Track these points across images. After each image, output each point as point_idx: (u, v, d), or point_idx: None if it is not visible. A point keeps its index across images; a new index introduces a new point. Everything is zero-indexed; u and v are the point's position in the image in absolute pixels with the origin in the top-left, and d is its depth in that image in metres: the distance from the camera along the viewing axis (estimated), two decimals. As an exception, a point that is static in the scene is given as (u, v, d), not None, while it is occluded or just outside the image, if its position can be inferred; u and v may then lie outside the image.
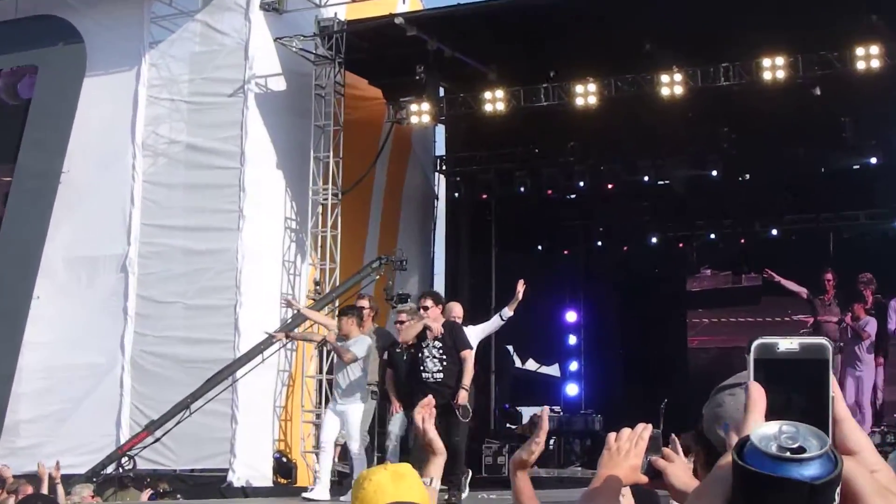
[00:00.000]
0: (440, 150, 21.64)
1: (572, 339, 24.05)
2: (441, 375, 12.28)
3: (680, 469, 3.02)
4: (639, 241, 22.84)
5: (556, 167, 20.32)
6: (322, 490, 13.08)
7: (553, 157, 20.26)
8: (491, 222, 21.69)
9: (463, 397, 12.14)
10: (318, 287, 17.11)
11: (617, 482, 3.00)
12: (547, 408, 3.54)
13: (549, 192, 21.07)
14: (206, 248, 16.72)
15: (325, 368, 16.56)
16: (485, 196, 21.39)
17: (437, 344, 12.30)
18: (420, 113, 17.98)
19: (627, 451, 3.04)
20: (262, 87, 17.08)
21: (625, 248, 23.29)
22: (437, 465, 3.89)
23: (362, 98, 19.05)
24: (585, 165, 20.11)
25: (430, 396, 4.40)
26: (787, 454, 1.43)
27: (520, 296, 13.54)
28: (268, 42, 17.11)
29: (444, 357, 12.33)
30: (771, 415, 1.52)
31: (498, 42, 17.60)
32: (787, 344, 1.53)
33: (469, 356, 12.40)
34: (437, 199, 21.64)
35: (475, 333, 13.46)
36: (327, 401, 15.31)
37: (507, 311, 13.86)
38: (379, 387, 13.84)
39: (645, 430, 3.08)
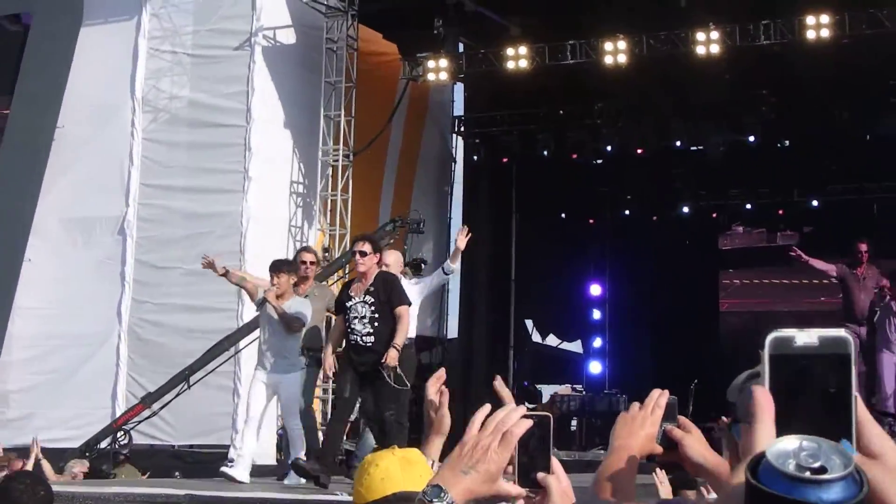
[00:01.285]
0: (458, 109, 21.50)
1: (596, 314, 23.95)
2: (371, 339, 11.01)
3: (696, 440, 2.92)
4: (669, 210, 22.70)
5: (581, 129, 20.18)
6: (241, 470, 11.90)
7: (579, 118, 20.12)
8: (511, 187, 21.58)
9: (392, 357, 10.78)
10: (326, 254, 16.99)
11: (633, 453, 2.92)
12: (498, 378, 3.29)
13: (574, 155, 20.91)
14: (208, 210, 16.59)
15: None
16: (505, 159, 21.24)
17: (368, 300, 11.02)
18: (438, 70, 17.82)
19: (643, 419, 2.95)
20: (270, 41, 16.90)
21: (654, 217, 23.12)
22: (437, 446, 3.78)
23: (376, 53, 18.88)
24: (613, 128, 19.97)
25: (443, 369, 4.13)
26: (807, 474, 1.35)
27: (461, 245, 12.40)
28: (277, -9, 16.98)
29: (376, 315, 11.02)
30: (786, 419, 1.43)
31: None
32: (805, 338, 1.47)
33: (404, 313, 11.06)
34: (455, 162, 21.51)
35: (415, 290, 12.25)
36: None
37: (450, 265, 12.75)
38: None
39: (661, 397, 2.97)
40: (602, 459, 2.91)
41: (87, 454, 15.16)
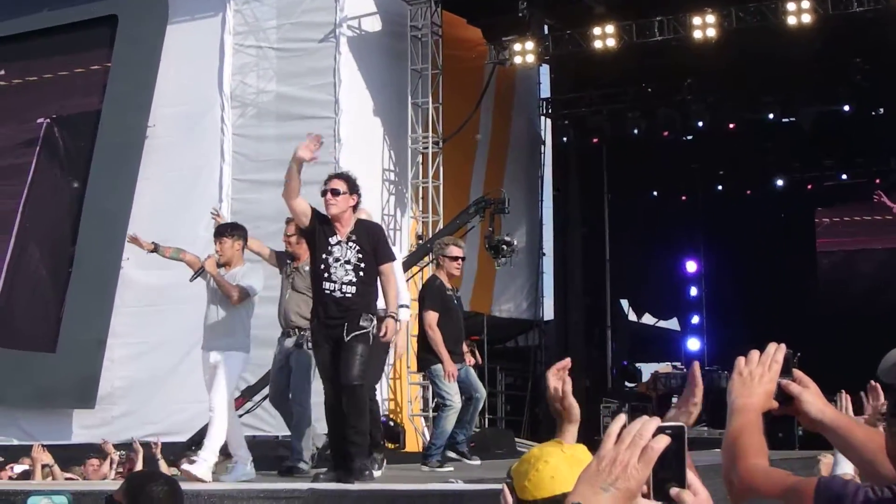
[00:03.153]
0: (546, 92, 21.38)
1: (693, 291, 23.75)
2: (352, 290, 9.06)
3: (814, 394, 2.85)
4: (763, 183, 22.42)
5: (671, 106, 19.99)
6: (203, 466, 10.13)
7: (668, 95, 19.92)
8: (602, 167, 21.47)
9: (390, 329, 9.21)
10: (420, 241, 16.98)
11: (756, 411, 2.84)
12: (697, 363, 3.19)
13: (665, 133, 20.73)
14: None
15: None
16: (595, 140, 21.13)
17: (353, 245, 9.03)
18: (524, 53, 17.73)
19: (761, 375, 2.88)
20: (355, 31, 16.88)
21: (748, 191, 22.86)
22: (573, 434, 3.70)
23: (461, 39, 18.81)
24: (704, 104, 19.76)
25: (568, 360, 3.78)
26: None
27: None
28: (359, -19, 16.96)
29: (362, 264, 9.09)
30: None
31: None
32: None
33: (390, 272, 9.26)
34: (545, 144, 21.40)
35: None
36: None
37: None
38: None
39: (778, 351, 2.90)
40: (706, 437, 2.85)
41: (194, 448, 15.26)
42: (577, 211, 21.18)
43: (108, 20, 18.36)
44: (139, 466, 11.64)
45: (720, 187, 23.11)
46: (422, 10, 17.28)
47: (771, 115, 19.86)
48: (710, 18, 16.56)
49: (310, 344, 10.21)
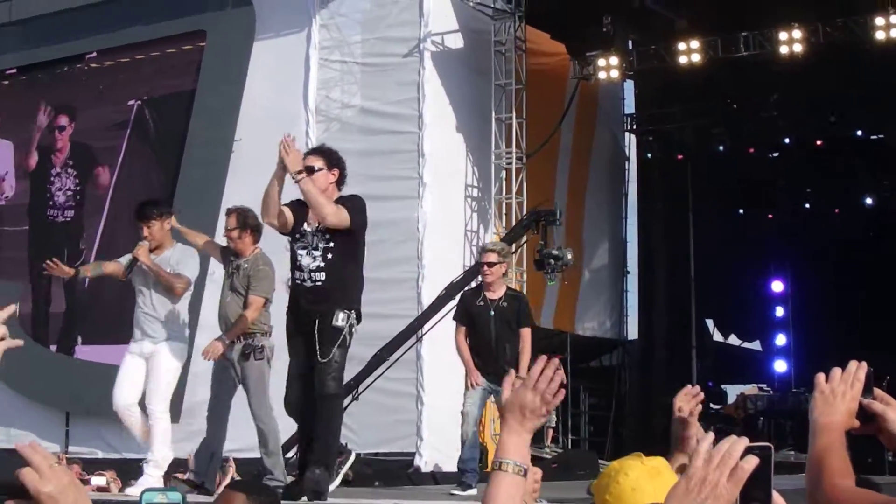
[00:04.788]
0: (630, 107, 21.37)
1: (779, 311, 23.52)
2: (321, 276, 8.39)
3: None
4: (852, 201, 22.17)
5: (757, 122, 19.91)
6: (148, 482, 9.56)
7: (754, 111, 19.83)
8: (687, 183, 21.34)
9: (341, 320, 8.37)
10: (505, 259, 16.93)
11: (839, 430, 2.84)
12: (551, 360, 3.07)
13: (751, 149, 20.66)
14: (384, 218, 16.55)
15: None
16: (680, 156, 21.06)
17: (324, 233, 8.41)
18: (608, 68, 17.73)
19: (843, 392, 2.88)
20: (439, 46, 16.96)
21: (836, 209, 22.62)
22: (680, 462, 3.67)
23: (545, 54, 18.82)
24: (790, 120, 19.66)
25: (696, 387, 3.77)
26: None
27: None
28: (443, -3, 17.02)
29: (331, 245, 8.39)
30: None
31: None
32: None
33: (342, 217, 8.35)
34: (629, 160, 21.38)
35: None
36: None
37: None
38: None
39: (860, 369, 2.91)
40: (792, 461, 2.84)
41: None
42: (662, 228, 21.10)
43: (196, 35, 18.63)
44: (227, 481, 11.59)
45: (807, 205, 22.90)
46: (505, 25, 17.32)
47: (859, 132, 19.72)
48: (797, 34, 16.46)
49: (259, 354, 9.88)
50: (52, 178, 20.03)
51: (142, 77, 19.29)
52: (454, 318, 11.07)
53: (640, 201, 21.19)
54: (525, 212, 17.13)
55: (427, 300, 15.94)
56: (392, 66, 17.00)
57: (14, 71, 21.03)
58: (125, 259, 10.31)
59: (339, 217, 8.27)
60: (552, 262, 16.35)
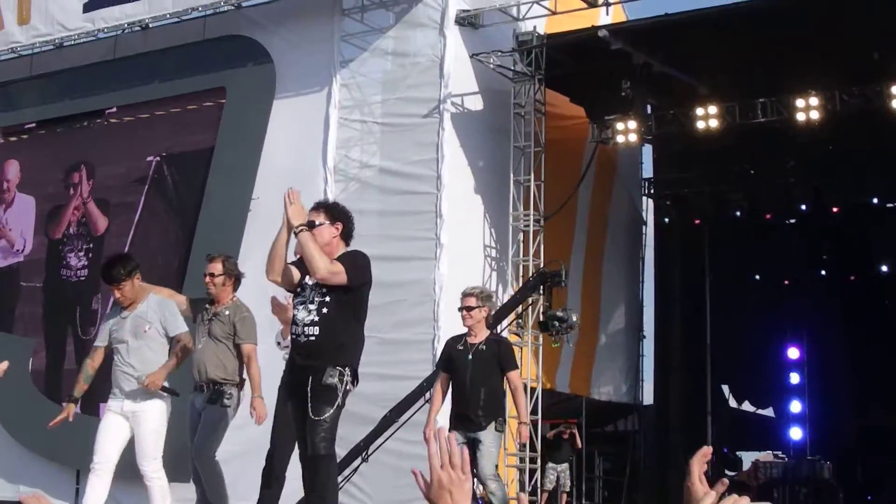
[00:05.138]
0: (648, 171, 21.42)
1: (794, 378, 23.42)
2: (315, 331, 8.14)
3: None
4: (868, 269, 22.12)
5: (774, 189, 19.94)
6: None
7: (771, 177, 19.86)
8: (704, 249, 21.35)
9: (333, 378, 8.10)
10: (520, 320, 16.92)
11: None
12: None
13: (768, 215, 20.66)
14: (401, 278, 16.61)
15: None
16: (697, 220, 21.07)
17: (324, 288, 8.19)
18: (626, 132, 17.75)
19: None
20: (459, 107, 17.02)
21: (851, 276, 22.59)
22: None
23: (564, 117, 18.89)
24: (807, 186, 19.68)
25: (709, 448, 3.62)
26: None
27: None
28: (463, 58, 17.03)
29: (326, 299, 8.16)
30: None
31: (709, 54, 17.22)
32: None
33: (337, 271, 8.13)
34: (646, 224, 21.37)
35: None
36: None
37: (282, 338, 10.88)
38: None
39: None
40: None
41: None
42: (679, 293, 21.06)
43: (216, 91, 18.73)
44: None
45: (823, 272, 22.86)
46: (525, 88, 17.38)
47: (875, 199, 19.72)
48: (814, 101, 16.50)
49: (226, 401, 9.86)
50: (65, 238, 20.09)
51: (161, 133, 19.35)
52: (436, 366, 10.95)
53: (657, 265, 21.17)
54: (542, 274, 17.12)
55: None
56: (412, 126, 17.03)
57: (34, 125, 21.16)
58: (102, 341, 10.07)
59: (331, 272, 8.05)
60: (556, 323, 16.30)
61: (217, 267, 10.39)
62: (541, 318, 16.56)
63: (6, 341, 19.71)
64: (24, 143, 21.35)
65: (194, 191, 18.70)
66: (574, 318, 16.47)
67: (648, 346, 21.16)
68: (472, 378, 10.97)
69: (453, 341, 11.37)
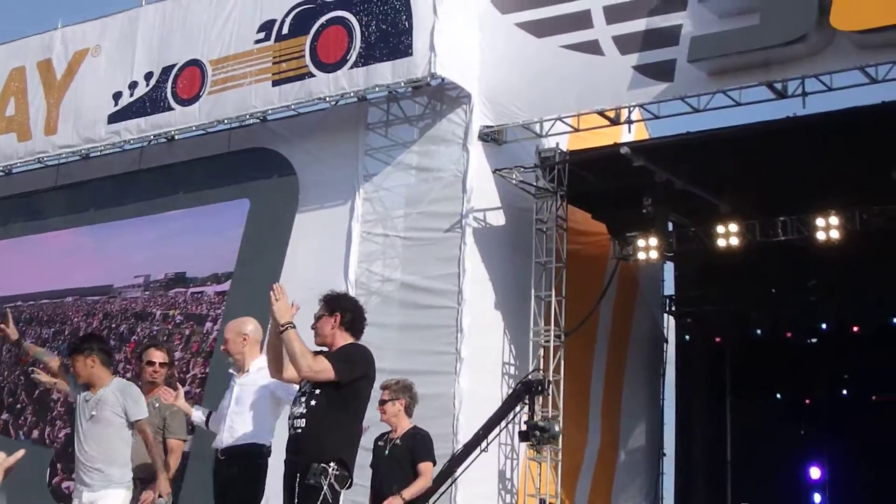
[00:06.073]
0: (669, 288, 21.45)
1: (816, 499, 23.21)
2: (301, 424, 8.01)
3: None
4: (890, 390, 22.01)
5: (795, 307, 19.96)
6: None
7: (792, 296, 19.89)
8: (725, 367, 21.32)
9: (315, 475, 7.84)
10: (542, 434, 16.84)
11: None
12: None
13: (789, 334, 20.63)
14: (421, 392, 16.46)
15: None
16: (718, 339, 21.06)
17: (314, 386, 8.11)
18: (647, 248, 17.83)
19: None
20: (481, 222, 17.13)
21: (873, 396, 22.48)
22: None
23: (585, 232, 19.01)
24: (829, 305, 19.68)
25: None
26: None
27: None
28: (486, 174, 17.17)
29: (316, 392, 8.05)
30: None
31: (730, 172, 17.38)
32: None
33: (319, 368, 7.97)
34: (667, 342, 21.37)
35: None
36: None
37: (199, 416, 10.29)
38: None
39: None
40: None
41: None
42: (699, 411, 21.02)
43: (239, 205, 18.95)
44: None
45: (845, 391, 22.74)
46: (547, 204, 17.49)
47: (896, 319, 19.73)
48: (834, 220, 16.58)
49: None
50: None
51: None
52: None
53: (678, 383, 21.14)
54: (562, 390, 17.09)
55: (461, 477, 15.85)
56: (434, 240, 17.12)
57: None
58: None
59: (314, 371, 7.88)
60: (538, 433, 16.22)
61: (160, 355, 10.33)
62: (522, 428, 16.49)
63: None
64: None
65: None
66: (556, 429, 16.39)
67: (669, 464, 21.06)
68: (384, 476, 10.90)
69: (378, 438, 11.20)
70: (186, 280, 19.55)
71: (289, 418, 8.15)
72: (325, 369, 7.94)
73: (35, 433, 20.29)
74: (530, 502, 16.83)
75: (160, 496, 9.48)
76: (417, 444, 11.10)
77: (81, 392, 9.46)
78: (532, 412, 16.28)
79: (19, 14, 58.83)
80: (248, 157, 19.15)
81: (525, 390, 16.33)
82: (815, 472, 23.03)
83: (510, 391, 16.69)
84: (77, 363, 9.38)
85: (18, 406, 20.71)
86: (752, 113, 15.97)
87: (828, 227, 16.65)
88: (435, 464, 11.52)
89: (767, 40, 14.75)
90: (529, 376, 16.30)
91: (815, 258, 17.96)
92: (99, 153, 20.81)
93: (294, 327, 7.95)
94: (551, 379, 17.04)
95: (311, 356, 7.95)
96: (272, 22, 18.51)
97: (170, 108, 19.27)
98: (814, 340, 21.23)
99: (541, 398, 16.71)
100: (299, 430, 7.95)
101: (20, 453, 3.49)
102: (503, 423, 16.20)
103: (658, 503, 20.90)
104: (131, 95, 19.93)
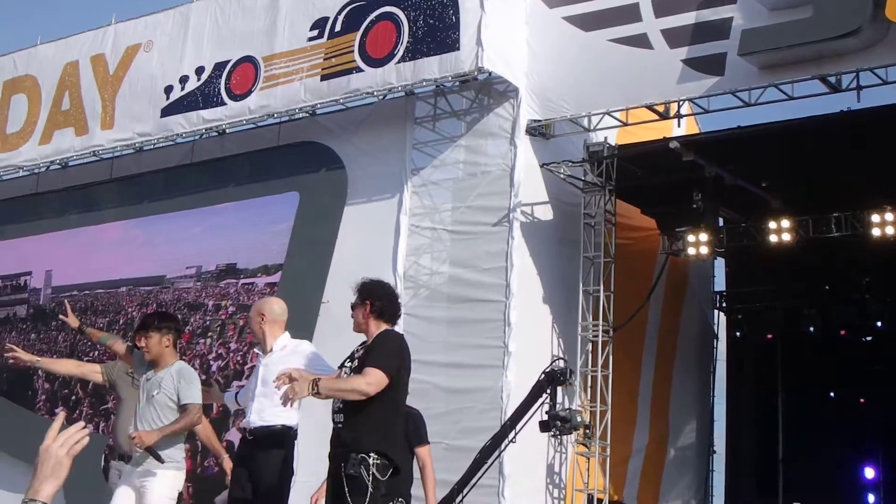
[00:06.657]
0: (720, 284, 21.33)
1: (871, 499, 22.99)
2: (340, 418, 8.02)
3: None
4: (947, 388, 21.81)
5: (849, 304, 19.77)
6: None
7: (846, 293, 19.72)
8: (777, 364, 21.14)
9: (354, 466, 7.82)
10: (588, 431, 16.82)
11: None
12: None
13: (842, 332, 20.44)
14: (468, 385, 16.65)
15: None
16: (770, 336, 20.90)
17: (356, 363, 8.14)
18: (698, 244, 17.74)
19: None
20: (528, 216, 17.12)
21: (930, 396, 22.25)
22: None
23: (634, 227, 18.94)
24: (883, 303, 19.50)
25: None
26: None
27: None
28: (534, 168, 17.18)
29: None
30: None
31: (782, 167, 17.26)
32: None
33: (372, 376, 7.85)
34: (717, 338, 21.26)
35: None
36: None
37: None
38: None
39: None
40: None
41: None
42: (750, 408, 20.88)
43: (288, 198, 19.05)
44: None
45: (900, 390, 22.54)
46: (595, 199, 17.46)
47: (953, 317, 19.51)
48: (889, 216, 16.43)
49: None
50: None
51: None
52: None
53: (729, 380, 21.02)
54: (610, 385, 17.03)
55: (509, 471, 15.85)
56: (481, 234, 17.13)
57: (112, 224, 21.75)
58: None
59: (372, 388, 7.80)
60: (559, 423, 16.11)
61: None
62: (542, 418, 16.37)
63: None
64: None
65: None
66: (579, 419, 16.23)
67: (719, 462, 20.94)
68: None
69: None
70: (237, 271, 19.68)
71: (331, 412, 8.11)
72: (378, 381, 7.84)
73: (90, 427, 20.49)
74: (578, 497, 16.80)
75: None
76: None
77: (145, 371, 9.55)
78: (553, 402, 16.19)
79: (72, 13, 59.64)
80: (297, 151, 19.27)
81: (548, 381, 16.24)
82: (869, 473, 22.80)
83: (535, 384, 16.60)
84: (151, 339, 9.44)
85: (73, 398, 20.93)
86: (804, 107, 15.76)
87: (883, 224, 16.50)
88: None
89: (820, 33, 14.60)
90: (552, 366, 16.21)
91: (869, 255, 17.82)
92: (152, 146, 20.99)
93: (320, 380, 7.81)
94: (600, 374, 16.99)
95: (356, 379, 7.87)
96: (325, 20, 18.59)
97: (222, 103, 19.40)
98: (868, 339, 21.00)
99: (594, 394, 16.63)
100: (339, 425, 7.96)
101: (80, 424, 3.63)
102: (528, 415, 16.13)
103: (708, 501, 20.79)
104: (182, 89, 20.09)
